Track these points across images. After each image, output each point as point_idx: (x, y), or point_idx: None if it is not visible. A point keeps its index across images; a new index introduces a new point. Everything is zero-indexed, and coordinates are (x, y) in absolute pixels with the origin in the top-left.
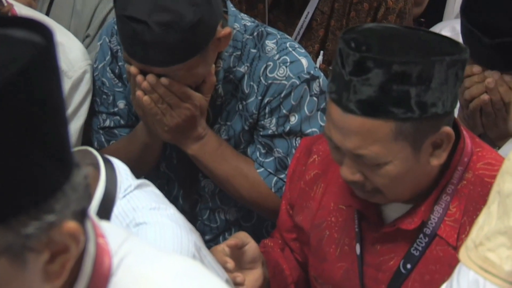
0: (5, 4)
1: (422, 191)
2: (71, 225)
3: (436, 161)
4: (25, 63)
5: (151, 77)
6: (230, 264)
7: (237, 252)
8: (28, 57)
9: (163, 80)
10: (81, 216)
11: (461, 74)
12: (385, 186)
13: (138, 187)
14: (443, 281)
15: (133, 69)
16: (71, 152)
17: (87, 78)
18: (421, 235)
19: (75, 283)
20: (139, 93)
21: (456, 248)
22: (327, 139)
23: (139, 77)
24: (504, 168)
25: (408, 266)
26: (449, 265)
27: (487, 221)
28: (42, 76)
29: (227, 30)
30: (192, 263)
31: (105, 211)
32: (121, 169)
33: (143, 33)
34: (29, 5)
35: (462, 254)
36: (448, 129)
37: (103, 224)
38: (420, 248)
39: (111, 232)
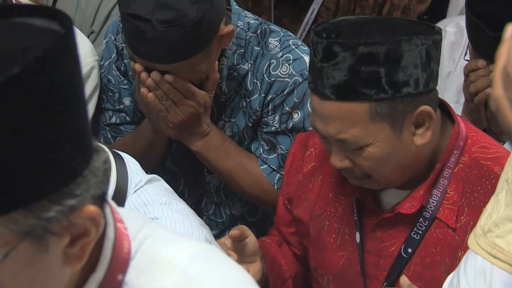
0: (14, 2)
1: (418, 176)
2: (91, 209)
3: (420, 140)
4: (45, 51)
5: (155, 74)
6: (233, 256)
7: (238, 245)
8: (47, 45)
9: (167, 77)
10: (101, 200)
11: (435, 53)
12: (372, 169)
13: (148, 182)
14: (443, 262)
15: (137, 66)
16: (91, 137)
17: (95, 73)
18: (421, 219)
19: (95, 267)
20: (143, 90)
21: (455, 230)
22: (315, 131)
23: (144, 74)
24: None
25: (409, 250)
26: (449, 246)
27: (496, 208)
28: (62, 63)
29: (230, 27)
30: (209, 247)
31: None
32: (132, 164)
33: (146, 31)
34: (36, 1)
35: (471, 241)
36: (426, 107)
37: (121, 210)
38: (420, 232)
39: (129, 217)
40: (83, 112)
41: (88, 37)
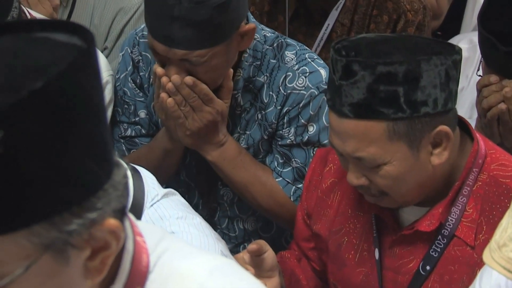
0: (29, 17)
1: (436, 193)
2: (112, 222)
3: (437, 160)
4: (67, 65)
5: (176, 77)
6: (251, 271)
7: (256, 260)
8: (69, 60)
9: (187, 79)
10: (121, 213)
11: (454, 74)
12: (388, 187)
13: (164, 196)
14: (461, 280)
15: (159, 70)
16: (112, 151)
17: (109, 88)
18: (439, 237)
19: (114, 280)
20: (163, 95)
21: (474, 248)
22: (332, 147)
23: (164, 79)
24: None
25: (428, 267)
26: (467, 264)
27: (511, 223)
28: (84, 77)
29: (251, 25)
30: (227, 261)
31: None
32: (148, 178)
33: (173, 7)
34: (50, 17)
35: (486, 255)
36: (445, 127)
37: (140, 224)
38: (438, 249)
39: (148, 231)
40: (104, 126)
41: (101, 53)
